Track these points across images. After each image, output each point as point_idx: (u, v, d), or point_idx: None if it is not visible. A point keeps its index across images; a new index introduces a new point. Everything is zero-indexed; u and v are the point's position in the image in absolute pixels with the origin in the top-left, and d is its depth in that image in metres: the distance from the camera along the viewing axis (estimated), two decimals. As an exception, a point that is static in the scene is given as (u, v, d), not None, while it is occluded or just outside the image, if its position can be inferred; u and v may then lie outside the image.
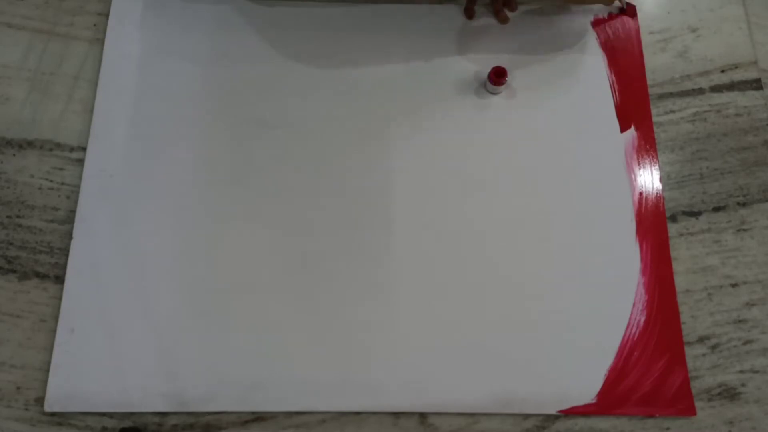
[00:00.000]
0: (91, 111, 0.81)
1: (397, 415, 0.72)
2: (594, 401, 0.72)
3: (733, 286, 0.77)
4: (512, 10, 0.85)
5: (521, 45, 0.85)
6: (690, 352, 0.74)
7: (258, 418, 0.71)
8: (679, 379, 0.73)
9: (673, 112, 0.84)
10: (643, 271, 0.76)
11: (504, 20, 0.85)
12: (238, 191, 0.78)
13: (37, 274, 0.75)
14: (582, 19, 0.87)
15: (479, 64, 0.84)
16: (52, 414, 0.70)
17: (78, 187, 0.78)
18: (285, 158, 0.80)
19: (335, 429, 0.71)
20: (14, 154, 0.80)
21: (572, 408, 0.71)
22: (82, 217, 0.77)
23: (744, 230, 0.80)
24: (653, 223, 0.79)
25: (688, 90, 0.85)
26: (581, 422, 0.72)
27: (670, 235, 0.78)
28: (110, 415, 0.70)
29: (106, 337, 0.72)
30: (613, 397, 0.72)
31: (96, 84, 0.83)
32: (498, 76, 0.81)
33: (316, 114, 0.82)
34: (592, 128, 0.82)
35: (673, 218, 0.80)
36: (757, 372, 0.74)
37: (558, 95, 0.83)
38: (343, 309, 0.74)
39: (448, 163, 0.80)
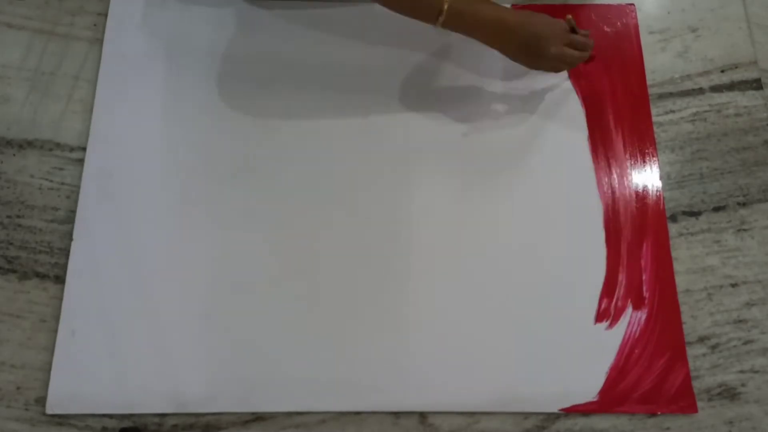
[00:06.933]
0: (91, 111, 0.81)
1: (397, 415, 0.72)
2: (596, 399, 0.71)
3: (733, 286, 0.77)
4: None
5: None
6: (690, 352, 0.74)
7: (258, 418, 0.71)
8: (680, 376, 0.73)
9: (673, 112, 0.84)
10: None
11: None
12: (238, 192, 0.78)
13: (37, 274, 0.75)
14: None
15: (480, 65, 0.85)
16: (53, 414, 0.70)
17: (78, 187, 0.78)
18: (286, 158, 0.80)
19: (335, 429, 0.71)
20: (14, 154, 0.80)
21: (574, 406, 0.71)
22: (82, 217, 0.77)
23: (744, 230, 0.80)
24: (653, 223, 0.79)
25: (688, 90, 0.85)
26: (581, 422, 0.72)
27: (670, 235, 0.78)
28: (110, 415, 0.70)
29: (106, 338, 0.72)
30: (614, 395, 0.72)
31: (96, 84, 0.83)
32: None
33: (318, 113, 0.82)
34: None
35: (673, 218, 0.80)
36: (757, 372, 0.74)
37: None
38: (343, 309, 0.74)
39: (449, 165, 0.80)
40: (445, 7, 0.69)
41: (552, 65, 0.76)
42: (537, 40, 0.72)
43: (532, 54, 0.74)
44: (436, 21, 0.71)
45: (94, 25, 0.86)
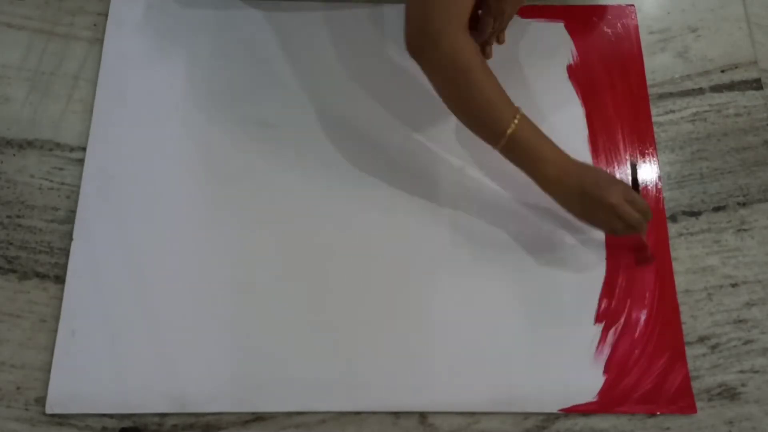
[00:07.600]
0: (91, 111, 0.81)
1: (397, 415, 0.72)
2: (595, 399, 0.71)
3: (733, 286, 0.77)
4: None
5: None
6: (690, 352, 0.74)
7: (258, 418, 0.71)
8: (679, 377, 0.73)
9: (673, 112, 0.85)
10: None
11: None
12: (237, 192, 0.78)
13: (37, 274, 0.75)
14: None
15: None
16: (53, 414, 0.70)
17: (78, 187, 0.78)
18: (286, 159, 0.80)
19: (335, 429, 0.71)
20: (14, 154, 0.80)
21: (574, 406, 0.71)
22: (82, 217, 0.77)
23: (744, 230, 0.80)
24: (653, 222, 0.78)
25: (688, 90, 0.85)
26: (581, 422, 0.72)
27: (670, 235, 0.78)
28: (110, 415, 0.70)
29: (106, 338, 0.72)
30: (614, 395, 0.72)
31: (96, 84, 0.83)
32: None
33: (317, 114, 0.82)
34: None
35: (673, 218, 0.80)
36: (757, 372, 0.74)
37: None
38: (343, 310, 0.74)
39: (448, 165, 0.80)
40: (509, 131, 0.66)
41: (607, 218, 0.70)
42: (597, 187, 0.68)
43: (588, 202, 0.69)
44: (497, 143, 0.68)
45: (94, 25, 0.86)
